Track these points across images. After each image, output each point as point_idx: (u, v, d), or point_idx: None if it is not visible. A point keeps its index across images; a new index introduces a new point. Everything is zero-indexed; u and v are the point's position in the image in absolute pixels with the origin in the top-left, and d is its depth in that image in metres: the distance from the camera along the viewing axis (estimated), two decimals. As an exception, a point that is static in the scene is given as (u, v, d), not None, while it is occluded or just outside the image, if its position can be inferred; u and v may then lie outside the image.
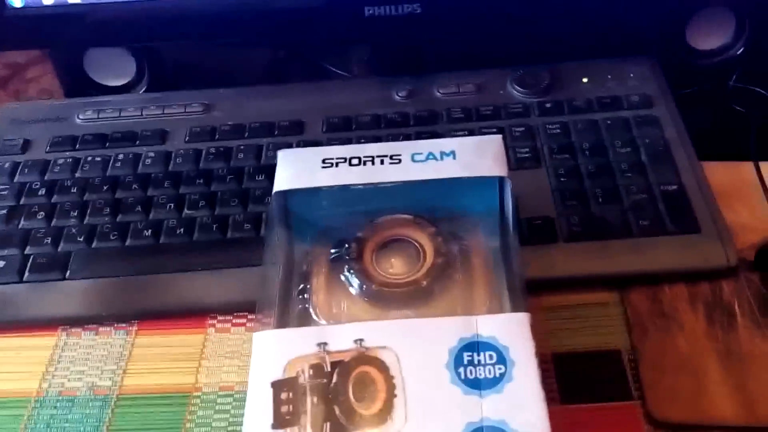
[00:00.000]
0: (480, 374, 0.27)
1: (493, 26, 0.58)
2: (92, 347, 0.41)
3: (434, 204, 0.34)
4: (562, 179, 0.46)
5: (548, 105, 0.52)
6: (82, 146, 0.51)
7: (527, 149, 0.49)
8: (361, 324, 0.29)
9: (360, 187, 0.33)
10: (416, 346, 0.28)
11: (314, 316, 0.32)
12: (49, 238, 0.44)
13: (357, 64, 0.62)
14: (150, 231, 0.44)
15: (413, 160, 0.33)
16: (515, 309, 0.31)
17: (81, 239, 0.44)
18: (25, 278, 0.43)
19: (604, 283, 0.42)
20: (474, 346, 0.28)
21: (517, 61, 0.56)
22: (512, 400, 0.27)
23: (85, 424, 0.38)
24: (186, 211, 0.46)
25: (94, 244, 0.44)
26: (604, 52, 0.56)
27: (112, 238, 0.44)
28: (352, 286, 0.32)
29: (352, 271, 0.32)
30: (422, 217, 0.34)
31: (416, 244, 0.33)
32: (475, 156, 0.33)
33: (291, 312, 0.32)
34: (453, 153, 0.34)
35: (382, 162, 0.33)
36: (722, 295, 0.41)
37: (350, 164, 0.34)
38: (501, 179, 0.34)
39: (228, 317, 0.42)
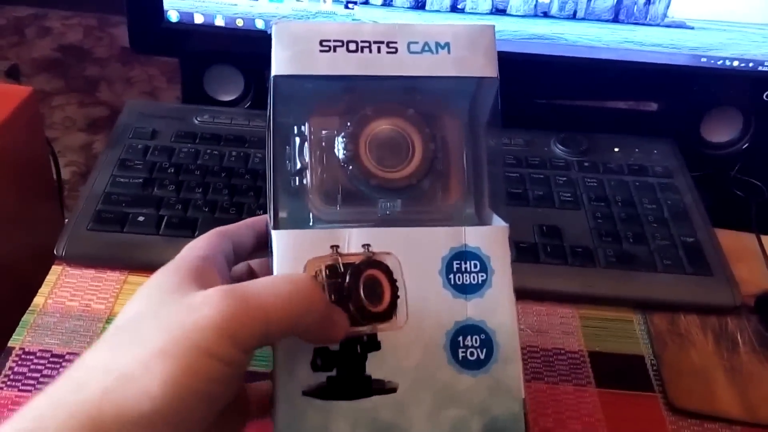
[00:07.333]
0: (466, 281, 0.30)
1: (544, 96, 0.64)
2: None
3: (420, 89, 0.33)
4: (599, 220, 0.52)
5: (586, 164, 0.57)
6: (201, 141, 0.56)
7: (569, 194, 0.54)
8: (368, 230, 0.30)
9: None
10: (415, 254, 0.30)
11: (311, 203, 0.32)
12: (179, 205, 0.49)
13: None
14: (261, 211, 0.49)
15: (409, 51, 0.32)
16: (496, 216, 0.32)
17: (205, 210, 0.49)
18: (161, 232, 0.47)
19: (631, 305, 0.47)
20: (462, 255, 0.30)
21: (559, 126, 0.61)
22: (491, 303, 0.30)
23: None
24: (289, 201, 0.51)
25: (216, 214, 0.49)
26: (631, 131, 0.62)
27: (230, 212, 0.49)
28: (349, 180, 0.32)
29: (350, 166, 0.32)
30: (416, 114, 0.33)
31: (405, 135, 0.32)
32: (468, 51, 0.32)
33: (288, 195, 0.32)
34: (447, 46, 0.32)
35: (378, 50, 0.31)
36: (727, 327, 0.46)
37: (348, 50, 0.31)
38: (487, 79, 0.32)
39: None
